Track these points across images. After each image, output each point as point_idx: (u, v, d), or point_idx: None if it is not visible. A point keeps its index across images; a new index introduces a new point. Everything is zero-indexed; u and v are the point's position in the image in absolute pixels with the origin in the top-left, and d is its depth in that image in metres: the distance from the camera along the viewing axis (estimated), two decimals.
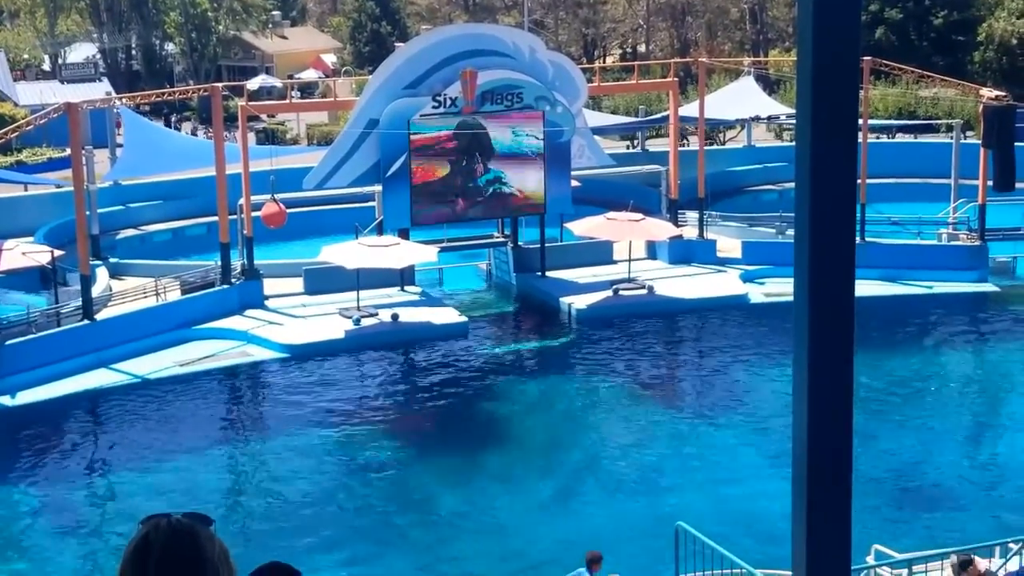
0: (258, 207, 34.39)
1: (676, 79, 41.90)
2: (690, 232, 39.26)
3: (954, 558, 13.33)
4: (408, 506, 23.84)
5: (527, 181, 36.22)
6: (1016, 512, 21.26)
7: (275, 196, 34.16)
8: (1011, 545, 14.66)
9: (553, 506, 23.44)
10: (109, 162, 44.77)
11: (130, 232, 42.16)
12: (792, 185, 2.79)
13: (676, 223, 38.56)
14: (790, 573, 3.22)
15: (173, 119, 68.29)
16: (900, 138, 54.22)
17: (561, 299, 35.39)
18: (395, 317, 33.27)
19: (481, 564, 21.17)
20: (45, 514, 23.98)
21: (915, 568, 13.17)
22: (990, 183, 36.52)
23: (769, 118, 49.47)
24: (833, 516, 2.95)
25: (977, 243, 37.46)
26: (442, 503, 23.92)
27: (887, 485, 23.67)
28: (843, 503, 2.96)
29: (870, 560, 15.91)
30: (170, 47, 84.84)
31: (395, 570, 21.39)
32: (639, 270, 36.85)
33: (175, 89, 59.76)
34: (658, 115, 49.75)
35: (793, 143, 2.97)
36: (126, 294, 33.61)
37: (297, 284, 35.42)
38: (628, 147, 53.30)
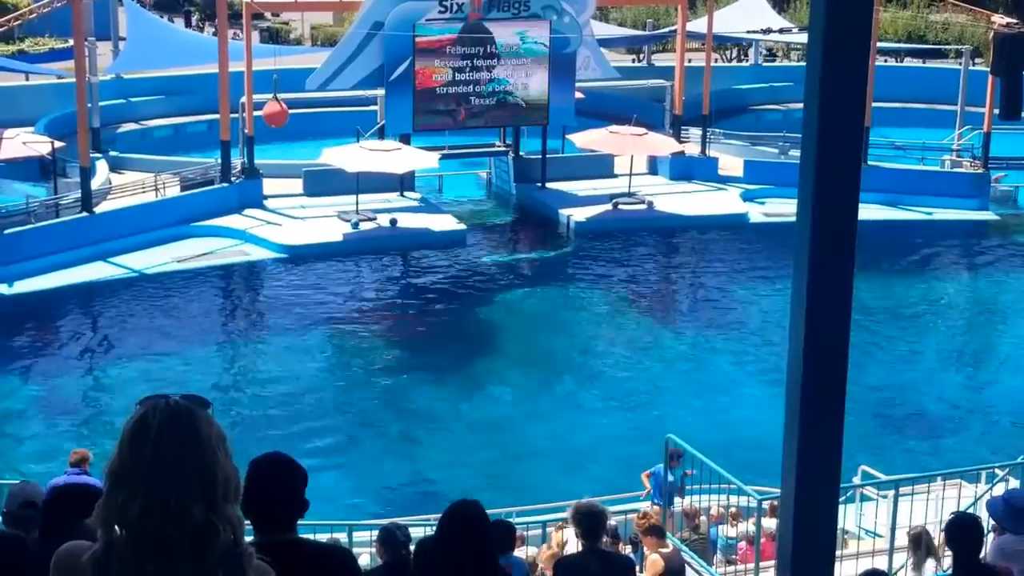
0: (260, 106, 34.23)
1: None
2: (692, 149, 39.10)
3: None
4: (399, 409, 23.98)
5: (531, 90, 36.02)
6: (1005, 437, 21.44)
7: (278, 95, 34.04)
8: (997, 471, 14.77)
9: (544, 415, 23.56)
10: (112, 54, 44.43)
11: (131, 126, 41.99)
12: (797, 106, 2.80)
13: (679, 139, 38.40)
14: (780, 490, 3.26)
15: (194, 19, 67.46)
16: (908, 62, 53.81)
17: (560, 211, 35.33)
18: (394, 222, 33.24)
19: (468, 468, 21.32)
20: (41, 399, 24.11)
21: (902, 490, 13.27)
22: (997, 111, 36.35)
23: (780, 30, 49.03)
24: (825, 435, 2.99)
25: (980, 171, 37.36)
26: (434, 407, 24.03)
27: (877, 408, 23.82)
28: (835, 423, 3.00)
29: (856, 480, 16.06)
30: None
31: (387, 470, 21.58)
32: (639, 185, 36.77)
33: None
34: (666, 29, 49.32)
35: (800, 63, 2.96)
36: (125, 188, 33.52)
37: (297, 185, 35.32)
38: (634, 61, 52.90)
